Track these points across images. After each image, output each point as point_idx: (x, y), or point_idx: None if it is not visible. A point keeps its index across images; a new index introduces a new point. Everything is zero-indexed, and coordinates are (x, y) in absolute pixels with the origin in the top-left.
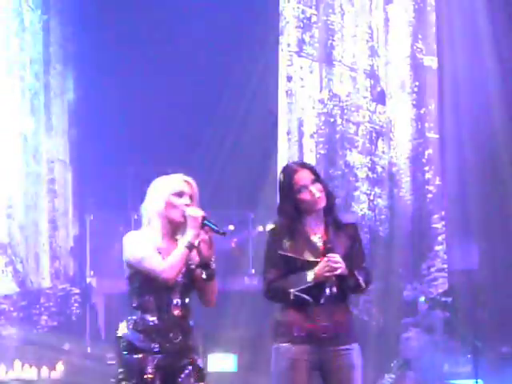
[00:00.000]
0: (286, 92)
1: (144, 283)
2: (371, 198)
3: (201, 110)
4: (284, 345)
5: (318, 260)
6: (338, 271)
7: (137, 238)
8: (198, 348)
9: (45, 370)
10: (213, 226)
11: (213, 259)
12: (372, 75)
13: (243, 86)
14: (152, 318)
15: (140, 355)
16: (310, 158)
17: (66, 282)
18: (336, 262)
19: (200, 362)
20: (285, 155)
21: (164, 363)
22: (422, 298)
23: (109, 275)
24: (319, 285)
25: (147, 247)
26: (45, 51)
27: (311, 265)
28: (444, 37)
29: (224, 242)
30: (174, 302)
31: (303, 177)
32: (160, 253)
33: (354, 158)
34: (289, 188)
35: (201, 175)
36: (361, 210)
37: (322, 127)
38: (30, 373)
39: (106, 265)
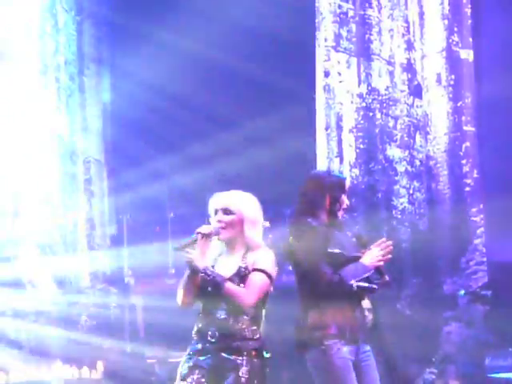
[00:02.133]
0: (324, 87)
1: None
2: (410, 191)
3: (237, 107)
4: (334, 345)
5: (360, 255)
6: (388, 256)
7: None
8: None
9: (85, 370)
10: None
11: (208, 271)
12: (409, 69)
13: (280, 82)
14: (199, 324)
15: (189, 356)
16: (350, 153)
17: (104, 282)
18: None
19: (243, 369)
20: (324, 151)
21: (205, 361)
22: (462, 292)
23: (146, 275)
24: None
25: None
26: (79, 52)
27: (356, 259)
28: (480, 29)
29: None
30: (218, 307)
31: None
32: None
33: (394, 152)
34: (340, 191)
35: (238, 172)
36: (401, 204)
37: (361, 122)
38: (71, 372)
39: (144, 264)
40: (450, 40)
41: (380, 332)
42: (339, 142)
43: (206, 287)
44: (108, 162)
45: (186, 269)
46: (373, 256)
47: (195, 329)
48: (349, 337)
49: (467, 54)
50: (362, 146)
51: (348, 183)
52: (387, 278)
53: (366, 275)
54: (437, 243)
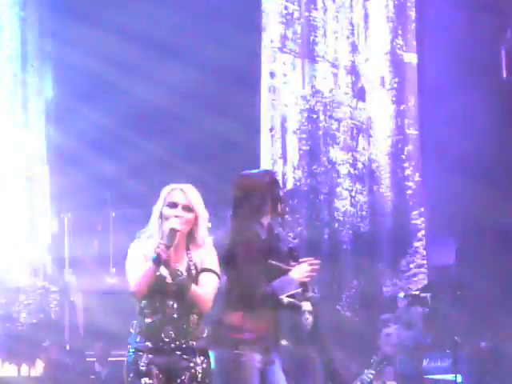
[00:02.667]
0: (269, 88)
1: None
2: (353, 194)
3: (183, 106)
4: (245, 352)
5: (290, 268)
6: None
7: (131, 250)
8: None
9: (24, 367)
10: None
11: (180, 273)
12: (353, 71)
13: (225, 82)
14: (147, 320)
15: (134, 354)
16: (293, 155)
17: (44, 280)
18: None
19: (199, 368)
20: (268, 152)
21: (159, 360)
22: (401, 294)
23: (87, 273)
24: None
25: (135, 260)
26: (22, 48)
27: (287, 272)
28: (424, 33)
29: None
30: (168, 304)
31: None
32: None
33: (337, 154)
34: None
35: (181, 173)
36: (343, 207)
37: (305, 123)
38: (10, 370)
39: (85, 263)
40: (394, 43)
41: (320, 333)
42: (283, 143)
43: (163, 284)
44: (50, 159)
45: (151, 260)
46: (302, 271)
47: (140, 325)
48: (263, 346)
49: (411, 58)
50: (305, 148)
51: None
52: (311, 294)
53: (295, 291)
54: (377, 245)
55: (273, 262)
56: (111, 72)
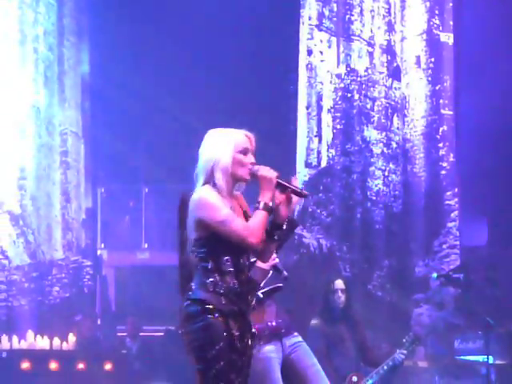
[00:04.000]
0: (306, 66)
1: (220, 245)
2: (386, 173)
3: (218, 84)
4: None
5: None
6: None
7: (213, 197)
8: None
9: (56, 341)
10: (290, 186)
11: (286, 220)
12: (389, 50)
13: (264, 60)
14: (232, 281)
15: (224, 318)
16: (327, 133)
17: (77, 254)
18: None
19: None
20: (304, 130)
21: (243, 327)
22: (434, 275)
23: (119, 248)
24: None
25: (226, 209)
26: (59, 23)
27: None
28: (461, 13)
29: None
30: (247, 263)
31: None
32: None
33: (370, 133)
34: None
35: None
36: (375, 186)
37: (339, 102)
38: (43, 343)
39: (117, 238)
40: (431, 23)
41: (352, 312)
42: (319, 121)
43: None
44: (85, 134)
45: (264, 208)
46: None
47: (222, 284)
48: (269, 334)
49: (447, 38)
50: (339, 127)
51: None
52: (285, 273)
53: (266, 278)
54: (410, 226)
55: None
56: (148, 46)
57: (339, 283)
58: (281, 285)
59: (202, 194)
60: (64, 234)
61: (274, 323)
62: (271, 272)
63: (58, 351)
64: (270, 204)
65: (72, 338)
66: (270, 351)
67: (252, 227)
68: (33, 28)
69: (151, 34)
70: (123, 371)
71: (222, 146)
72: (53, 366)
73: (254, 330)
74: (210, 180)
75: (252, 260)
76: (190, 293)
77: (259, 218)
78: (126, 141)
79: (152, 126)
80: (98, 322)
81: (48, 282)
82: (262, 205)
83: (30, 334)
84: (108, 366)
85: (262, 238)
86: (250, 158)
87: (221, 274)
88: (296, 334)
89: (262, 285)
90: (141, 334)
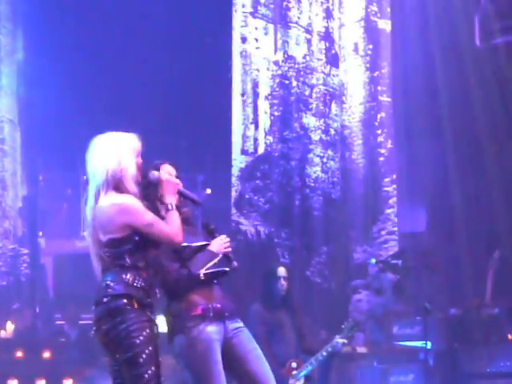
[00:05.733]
0: (241, 53)
1: (136, 244)
2: (324, 160)
3: (154, 71)
4: (195, 326)
5: (208, 243)
6: (230, 249)
7: (135, 202)
8: None
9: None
10: (188, 195)
11: None
12: (327, 37)
13: (198, 47)
14: (144, 276)
15: (145, 309)
16: (265, 120)
17: (14, 243)
18: (228, 241)
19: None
20: (239, 117)
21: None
22: (373, 260)
23: (57, 236)
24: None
25: (150, 213)
26: None
27: (203, 248)
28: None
29: None
30: (153, 261)
31: (169, 167)
32: None
33: (309, 120)
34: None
35: (151, 137)
36: (314, 173)
37: (277, 89)
38: None
39: (55, 226)
40: (369, 9)
41: (292, 299)
42: (255, 108)
43: None
44: (21, 121)
45: (173, 208)
46: (220, 243)
47: (138, 279)
48: (213, 316)
49: (385, 24)
50: (276, 113)
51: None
52: (235, 263)
53: (214, 261)
54: (349, 212)
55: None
56: (83, 32)
57: (282, 270)
58: (227, 269)
59: (124, 199)
60: (1, 222)
61: (218, 305)
62: (219, 257)
63: None
64: (178, 205)
65: (10, 326)
66: (213, 332)
67: (175, 227)
68: None
69: (85, 21)
70: (61, 359)
71: (125, 153)
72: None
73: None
74: (118, 187)
75: (203, 243)
76: (110, 290)
77: (175, 217)
78: (62, 128)
79: (89, 112)
80: (37, 310)
81: None
82: (172, 206)
83: None
84: (46, 354)
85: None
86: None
87: (136, 270)
88: (238, 319)
89: (207, 266)
90: (80, 322)
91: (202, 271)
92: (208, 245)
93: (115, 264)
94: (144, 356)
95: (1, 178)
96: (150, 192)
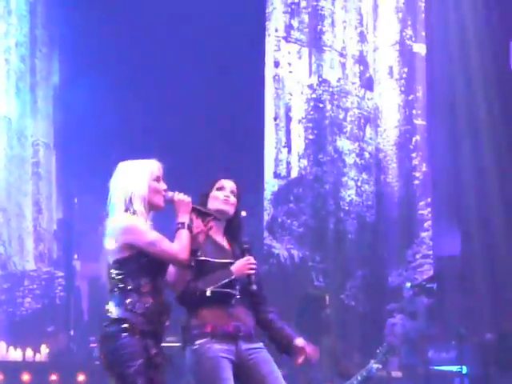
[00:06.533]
0: (273, 77)
1: (141, 266)
2: (359, 183)
3: (188, 96)
4: (203, 344)
5: (233, 261)
6: (253, 271)
7: (138, 222)
8: None
9: (29, 352)
10: (205, 211)
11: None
12: (361, 61)
13: (231, 72)
14: (149, 301)
15: (142, 336)
16: (299, 144)
17: (50, 265)
18: (253, 263)
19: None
20: (272, 141)
21: (158, 345)
22: (408, 284)
23: (92, 259)
24: (231, 286)
25: (153, 231)
26: (31, 34)
27: (225, 266)
28: (433, 24)
29: None
30: (163, 284)
31: (227, 182)
32: None
33: (343, 143)
34: (209, 188)
35: (187, 162)
36: (348, 196)
37: (311, 112)
38: (15, 354)
39: (90, 248)
40: (404, 33)
41: (324, 323)
42: (287, 132)
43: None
44: (57, 145)
45: (186, 229)
46: (243, 264)
47: (139, 304)
48: (221, 335)
49: (420, 48)
50: (311, 137)
51: (222, 183)
52: (254, 287)
53: (226, 281)
54: (384, 235)
55: (201, 258)
56: (118, 56)
57: (328, 298)
58: (234, 292)
59: (128, 220)
60: (36, 245)
61: (230, 327)
62: (235, 277)
63: (30, 363)
64: (190, 225)
65: (45, 349)
66: (220, 351)
67: (180, 245)
68: (5, 39)
69: (120, 45)
70: (96, 382)
71: (139, 175)
72: (25, 377)
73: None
74: (128, 208)
75: (225, 261)
76: (109, 314)
77: (184, 236)
78: (97, 151)
79: (123, 136)
80: (71, 333)
81: (20, 293)
82: (184, 225)
83: (3, 345)
84: (81, 378)
85: (189, 255)
86: (163, 185)
87: (139, 295)
88: (258, 341)
89: (217, 285)
90: None
91: (210, 289)
92: (232, 263)
93: (118, 287)
94: None
95: (36, 201)
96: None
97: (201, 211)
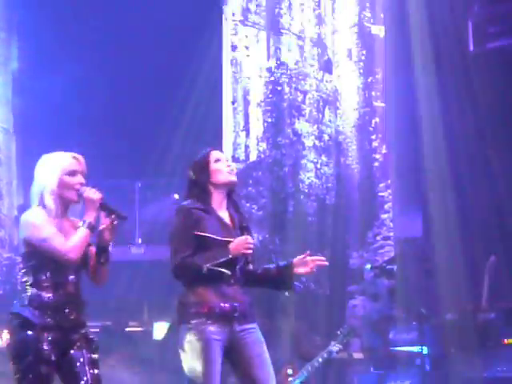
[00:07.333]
0: (231, 61)
1: (41, 261)
2: (318, 166)
3: (144, 77)
4: (198, 324)
5: (232, 240)
6: (250, 251)
7: (37, 217)
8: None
9: (8, 336)
10: (112, 209)
11: (111, 244)
12: (319, 43)
13: (187, 57)
14: (47, 295)
15: (36, 331)
16: (257, 127)
17: (10, 251)
18: (251, 242)
19: (91, 335)
20: (230, 124)
21: (58, 338)
22: (368, 266)
23: None
24: (231, 264)
25: (49, 227)
26: None
27: (226, 243)
28: (391, 5)
29: (169, 212)
30: (69, 279)
31: (220, 153)
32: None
33: (302, 126)
34: (204, 162)
35: (146, 144)
36: (308, 179)
37: (270, 96)
38: None
39: None
40: (362, 15)
41: (284, 305)
42: (246, 115)
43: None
44: (16, 130)
45: (85, 226)
46: (240, 243)
47: (37, 298)
48: (218, 316)
49: (379, 30)
50: (269, 120)
51: (217, 155)
52: (251, 267)
53: (223, 260)
54: (344, 217)
55: (202, 233)
56: (79, 42)
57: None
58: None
59: (29, 215)
60: None
61: (227, 305)
62: (232, 256)
63: None
64: (93, 223)
65: (6, 335)
66: (213, 333)
67: (71, 244)
68: None
69: (79, 28)
70: None
71: (50, 170)
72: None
73: (88, 337)
74: (41, 202)
75: (228, 239)
76: (12, 308)
77: (79, 235)
78: (56, 137)
79: (82, 121)
80: None
81: None
82: (84, 223)
83: None
84: None
85: (80, 254)
86: (79, 179)
87: (38, 289)
88: (253, 321)
89: (215, 263)
90: None
91: (206, 266)
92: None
93: (21, 281)
94: (25, 383)
95: None
96: (195, 189)
97: (108, 209)
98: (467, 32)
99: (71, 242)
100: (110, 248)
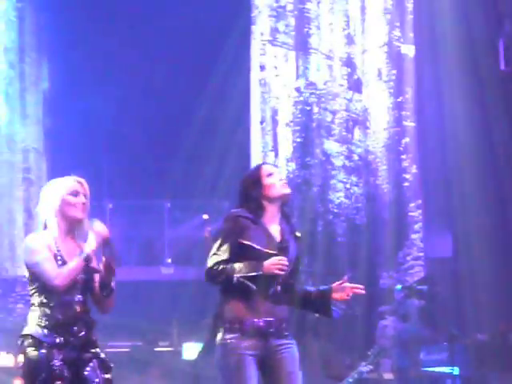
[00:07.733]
0: (259, 81)
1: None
2: (348, 186)
3: (173, 99)
4: (232, 340)
5: (275, 253)
6: (282, 272)
7: (34, 241)
8: (97, 341)
9: (21, 358)
10: (113, 250)
11: (113, 282)
12: (349, 63)
13: (215, 77)
14: (56, 315)
15: (47, 350)
16: (286, 147)
17: None
18: (285, 264)
19: (103, 355)
20: (258, 145)
21: (69, 356)
22: (399, 286)
23: None
24: (268, 280)
25: (43, 251)
26: (19, 39)
27: (268, 256)
28: (421, 24)
29: (198, 232)
30: (76, 298)
31: (272, 167)
32: (59, 252)
33: (331, 146)
34: (256, 177)
35: (175, 165)
36: (337, 199)
37: (299, 115)
38: (7, 360)
39: None
40: (392, 35)
41: (314, 325)
42: (274, 136)
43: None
44: (47, 150)
45: (82, 256)
46: (273, 262)
47: (43, 318)
48: (251, 331)
49: (408, 49)
50: (298, 140)
51: (269, 169)
52: (279, 288)
53: (253, 274)
54: (374, 238)
55: (245, 242)
56: (108, 62)
57: None
58: (254, 287)
59: (27, 239)
60: None
61: (261, 322)
62: (261, 273)
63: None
64: (91, 256)
65: (21, 358)
66: (247, 348)
67: (61, 272)
68: None
69: (109, 48)
70: None
71: (53, 191)
72: (17, 383)
73: (101, 357)
74: (45, 224)
75: (269, 251)
76: (22, 330)
77: (72, 264)
78: (88, 156)
79: (114, 140)
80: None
81: (11, 299)
82: (81, 254)
83: None
84: None
85: (68, 283)
86: (81, 199)
87: (46, 309)
88: (289, 335)
89: (246, 275)
90: (107, 350)
91: (237, 276)
92: (274, 255)
93: (30, 303)
94: None
95: (27, 206)
96: (248, 204)
97: (111, 248)
98: (498, 51)
99: (63, 269)
100: (112, 285)
